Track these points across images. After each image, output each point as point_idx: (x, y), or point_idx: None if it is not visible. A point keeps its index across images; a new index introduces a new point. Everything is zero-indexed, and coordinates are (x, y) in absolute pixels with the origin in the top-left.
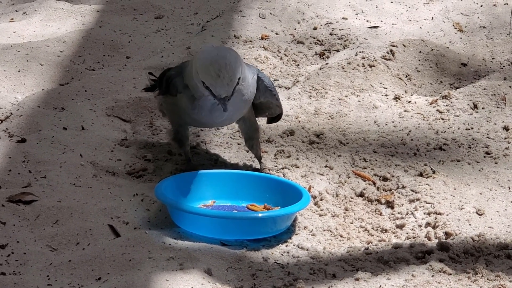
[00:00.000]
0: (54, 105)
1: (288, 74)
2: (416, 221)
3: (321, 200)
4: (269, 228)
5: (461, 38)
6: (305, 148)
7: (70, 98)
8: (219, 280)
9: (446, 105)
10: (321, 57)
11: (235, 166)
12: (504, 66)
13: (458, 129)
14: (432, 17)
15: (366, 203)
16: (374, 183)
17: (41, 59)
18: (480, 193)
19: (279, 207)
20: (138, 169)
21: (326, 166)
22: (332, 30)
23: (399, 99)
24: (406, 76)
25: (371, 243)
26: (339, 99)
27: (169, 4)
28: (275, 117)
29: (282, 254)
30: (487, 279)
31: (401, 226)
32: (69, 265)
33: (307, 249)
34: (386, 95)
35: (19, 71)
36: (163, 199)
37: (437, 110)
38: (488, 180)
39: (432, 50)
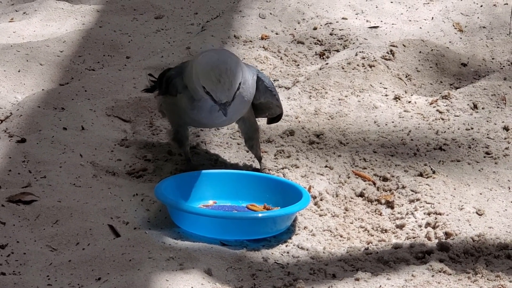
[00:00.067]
0: (54, 105)
1: (288, 74)
2: (416, 221)
3: (321, 200)
4: (269, 228)
5: (461, 38)
6: (305, 148)
7: (70, 98)
8: (219, 280)
9: (446, 105)
10: (321, 57)
11: (235, 166)
12: (504, 66)
13: (458, 129)
14: (432, 17)
15: (366, 203)
16: (374, 183)
17: (41, 59)
18: (480, 193)
19: (279, 207)
20: (138, 169)
21: (326, 166)
22: (332, 30)
23: (399, 99)
24: (406, 76)
25: (371, 243)
26: (339, 99)
27: (169, 4)
28: (275, 118)
29: (282, 254)
30: (487, 279)
31: (401, 226)
32: (69, 265)
33: (307, 249)
34: (386, 95)
35: (19, 71)
36: (163, 199)
37: (437, 110)
38: (488, 180)
39: (432, 50)
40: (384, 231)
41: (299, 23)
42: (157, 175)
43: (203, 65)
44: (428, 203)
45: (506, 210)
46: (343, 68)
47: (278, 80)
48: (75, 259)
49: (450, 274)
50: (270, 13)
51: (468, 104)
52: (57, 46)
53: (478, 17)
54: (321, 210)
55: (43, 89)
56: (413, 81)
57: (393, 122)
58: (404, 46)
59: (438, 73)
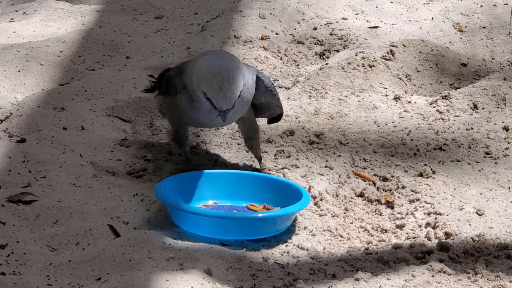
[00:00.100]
0: (54, 105)
1: (288, 74)
2: (416, 221)
3: (321, 200)
4: (269, 228)
5: (461, 38)
6: (305, 148)
7: (70, 98)
8: (219, 280)
9: (446, 105)
10: (321, 57)
11: (235, 166)
12: (504, 66)
13: (458, 129)
14: (432, 17)
15: (366, 203)
16: (374, 183)
17: (41, 59)
18: (480, 193)
19: (279, 207)
20: (138, 169)
21: (326, 166)
22: (332, 30)
23: (399, 99)
24: (406, 76)
25: (371, 243)
26: (339, 99)
27: (169, 4)
28: (275, 117)
29: (282, 254)
30: (487, 279)
31: (401, 226)
32: (69, 265)
33: (307, 249)
34: (386, 95)
35: (19, 71)
36: (163, 199)
37: (437, 110)
38: (488, 180)
39: (432, 50)
40: (384, 231)
41: (299, 23)
42: (157, 175)
43: (205, 71)
44: (428, 203)
45: (506, 210)
46: (343, 68)
47: (278, 80)
48: (75, 259)
49: (450, 274)
50: (270, 13)
51: (468, 104)
52: (57, 46)
53: (478, 17)
54: (321, 210)
55: (43, 89)
56: (413, 81)
57: (393, 122)
58: (404, 46)
59: (438, 73)
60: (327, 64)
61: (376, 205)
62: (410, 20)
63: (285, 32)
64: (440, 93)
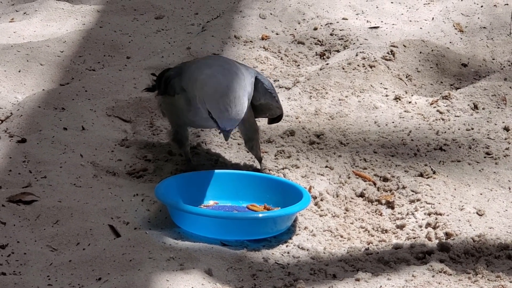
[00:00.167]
0: (55, 105)
1: (288, 75)
2: (416, 222)
3: (321, 200)
4: (270, 228)
5: (461, 38)
6: (305, 149)
7: (70, 98)
8: (220, 281)
9: (446, 106)
10: (322, 57)
11: (235, 167)
12: (504, 66)
13: (459, 129)
14: (433, 18)
15: (366, 204)
16: (375, 184)
17: (41, 59)
18: (481, 194)
19: (279, 208)
20: (138, 169)
21: (326, 167)
22: (333, 31)
23: (400, 100)
24: (407, 77)
25: (372, 243)
26: (340, 100)
27: (170, 5)
28: (276, 118)
29: (282, 255)
30: (488, 279)
31: (401, 227)
32: (70, 265)
33: (307, 250)
34: (387, 96)
35: (19, 71)
36: (163, 199)
37: (438, 111)
38: (489, 180)
39: (432, 50)
40: (384, 232)
41: (299, 23)
42: (157, 175)
43: (211, 90)
44: (429, 204)
45: (506, 210)
46: (343, 69)
47: (278, 81)
48: (76, 259)
49: (451, 275)
50: (271, 14)
51: (468, 105)
52: (58, 46)
53: (478, 18)
54: (321, 210)
55: (43, 89)
56: (413, 82)
57: (393, 122)
58: (405, 46)
59: (439, 74)
60: (327, 64)
61: (376, 205)
62: (410, 20)
63: (286, 32)
64: (440, 93)
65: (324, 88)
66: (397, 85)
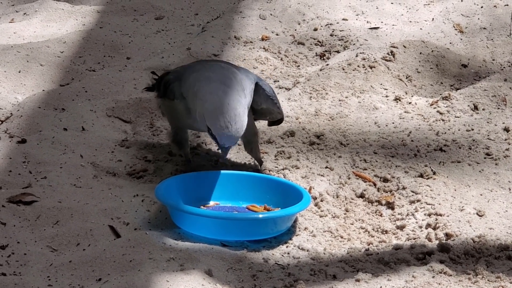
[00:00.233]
0: (55, 106)
1: (288, 75)
2: (416, 222)
3: (321, 201)
4: (270, 229)
5: (461, 39)
6: (305, 149)
7: (70, 98)
8: (220, 281)
9: (446, 106)
10: (322, 58)
11: (235, 167)
12: (504, 67)
13: (459, 130)
14: (433, 18)
15: (366, 204)
16: (375, 184)
17: (41, 59)
18: (481, 194)
19: (280, 208)
20: (138, 170)
21: (326, 167)
22: (333, 31)
23: (400, 100)
24: (407, 77)
25: (372, 244)
26: (340, 100)
27: (170, 5)
28: (276, 121)
29: (282, 255)
30: (488, 280)
31: (401, 227)
32: (70, 266)
33: (307, 250)
34: (387, 96)
35: (19, 72)
36: (164, 200)
37: (438, 111)
38: (489, 181)
39: (432, 51)
40: (384, 232)
41: (299, 24)
42: (157, 176)
43: (211, 107)
44: (429, 204)
45: (506, 211)
46: (343, 69)
47: (278, 81)
48: (76, 259)
49: (451, 275)
50: (271, 14)
51: (468, 105)
52: (58, 46)
53: (478, 18)
54: (321, 211)
55: (43, 90)
56: (413, 82)
57: (393, 123)
58: (405, 47)
59: (439, 74)
60: (327, 65)
61: (376, 206)
62: (410, 21)
63: (286, 33)
64: (440, 94)
65: (324, 89)
66: (397, 86)
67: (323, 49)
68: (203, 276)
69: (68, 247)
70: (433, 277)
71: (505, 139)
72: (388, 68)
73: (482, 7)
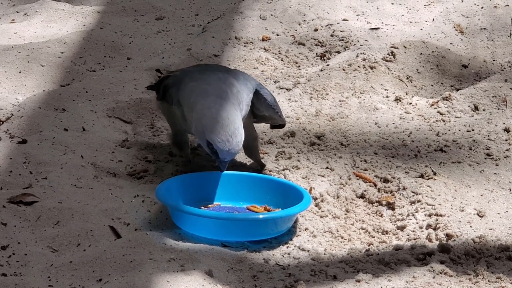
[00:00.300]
0: (55, 106)
1: (289, 76)
2: (417, 223)
3: (322, 201)
4: (270, 229)
5: (462, 39)
6: (306, 150)
7: (71, 99)
8: (220, 281)
9: (447, 107)
10: (322, 58)
11: (236, 168)
12: (504, 68)
13: (459, 130)
14: (433, 19)
15: (367, 205)
16: (375, 185)
17: (42, 60)
18: (481, 195)
19: (280, 209)
20: (139, 170)
21: (327, 168)
22: (333, 32)
23: (400, 101)
24: (407, 78)
25: (372, 244)
26: (340, 101)
27: (170, 6)
28: (278, 125)
29: (283, 256)
30: (488, 280)
31: (402, 228)
32: (70, 266)
33: (308, 251)
34: (387, 97)
35: (20, 72)
36: (164, 200)
37: (438, 112)
38: (489, 181)
39: (433, 51)
40: (385, 233)
41: (300, 24)
42: (158, 176)
43: (210, 122)
44: (429, 205)
45: (507, 211)
46: (344, 70)
47: (279, 82)
48: (76, 260)
49: (451, 276)
50: (271, 15)
51: (469, 106)
52: (58, 47)
53: (479, 19)
54: (322, 211)
55: (44, 90)
56: (414, 83)
57: (394, 123)
58: (405, 47)
59: (439, 75)
60: (328, 65)
61: (377, 206)
62: (411, 22)
63: (286, 34)
64: (441, 95)
65: (324, 89)
66: (398, 86)
67: (324, 49)
68: (204, 276)
69: (68, 248)
70: (434, 277)
71: (506, 140)
72: (388, 68)
73: (482, 7)
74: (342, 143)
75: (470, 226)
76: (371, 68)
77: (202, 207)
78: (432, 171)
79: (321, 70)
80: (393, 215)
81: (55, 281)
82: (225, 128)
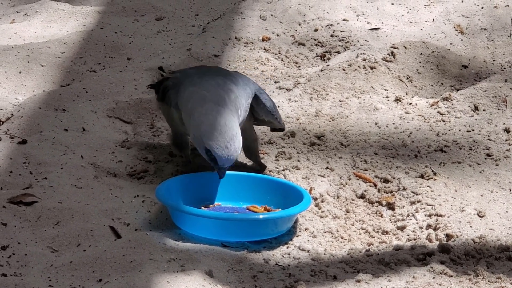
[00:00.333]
0: (55, 107)
1: (289, 76)
2: (417, 223)
3: (322, 201)
4: (270, 229)
5: (462, 40)
6: (306, 150)
7: (71, 99)
8: (220, 282)
9: (447, 107)
10: (322, 58)
11: (236, 168)
12: (505, 68)
13: (459, 131)
14: (433, 19)
15: (367, 205)
16: (375, 185)
17: (42, 60)
18: (481, 195)
19: (280, 209)
20: (139, 170)
21: (327, 168)
22: (333, 32)
23: (400, 101)
24: (407, 78)
25: (372, 244)
26: (340, 101)
27: (170, 6)
28: (278, 128)
29: (283, 256)
30: (488, 281)
31: (402, 228)
32: (70, 267)
33: (308, 251)
34: (387, 97)
35: (20, 73)
36: (164, 200)
37: (438, 112)
38: (489, 182)
39: (433, 52)
40: (385, 233)
41: (300, 24)
42: (158, 177)
43: (208, 129)
44: (429, 205)
45: (507, 212)
46: (344, 70)
47: (279, 82)
48: (76, 260)
49: (451, 276)
50: (271, 15)
51: (469, 106)
52: (58, 47)
53: (479, 19)
54: (322, 211)
55: (44, 91)
56: (414, 83)
57: (394, 123)
58: (405, 47)
59: (439, 75)
60: (328, 65)
61: (377, 206)
62: (411, 22)
63: (286, 34)
64: (441, 95)
65: (324, 90)
66: (398, 87)
67: (324, 49)
68: (204, 276)
69: (68, 248)
70: (434, 277)
71: (506, 140)
72: (388, 68)
73: (482, 8)
74: (342, 143)
75: (470, 226)
76: (371, 68)
77: (202, 207)
78: (432, 171)
79: (321, 70)
80: (393, 215)
81: (55, 281)
82: (223, 134)
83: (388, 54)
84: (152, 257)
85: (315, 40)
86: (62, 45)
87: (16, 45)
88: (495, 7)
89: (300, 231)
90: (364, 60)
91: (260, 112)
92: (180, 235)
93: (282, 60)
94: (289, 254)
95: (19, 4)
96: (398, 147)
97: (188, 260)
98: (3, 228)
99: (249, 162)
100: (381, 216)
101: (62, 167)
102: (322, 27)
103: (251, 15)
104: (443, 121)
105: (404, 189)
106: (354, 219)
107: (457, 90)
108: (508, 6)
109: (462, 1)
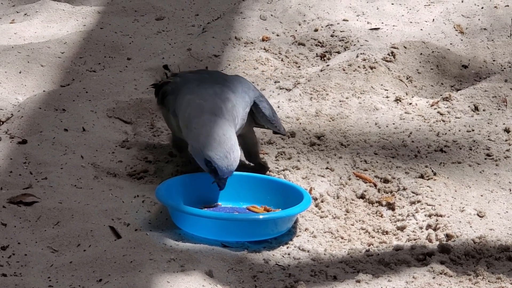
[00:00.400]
0: (55, 107)
1: (289, 76)
2: (417, 223)
3: (322, 202)
4: (270, 229)
5: (462, 40)
6: (306, 150)
7: (71, 99)
8: (220, 282)
9: (447, 107)
10: (322, 58)
11: (236, 168)
12: (505, 68)
13: (459, 131)
14: (433, 19)
15: (367, 205)
16: (375, 185)
17: (42, 60)
18: (481, 195)
19: (280, 209)
20: (139, 170)
21: (327, 168)
22: (333, 32)
23: (400, 101)
24: (407, 78)
25: (372, 245)
26: (340, 101)
27: (170, 6)
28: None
29: (283, 256)
30: (488, 281)
31: (402, 228)
32: (70, 267)
33: (308, 251)
34: (387, 97)
35: (20, 73)
36: (164, 200)
37: (438, 112)
38: (489, 182)
39: (433, 52)
40: (385, 233)
41: (300, 24)
42: (158, 177)
43: (207, 140)
44: (429, 205)
45: (507, 212)
46: (344, 70)
47: (279, 82)
48: (76, 260)
49: (451, 276)
50: (271, 15)
51: (469, 106)
52: (58, 47)
53: (479, 19)
54: (322, 211)
55: (44, 91)
56: (414, 83)
57: (394, 123)
58: (405, 47)
59: (439, 75)
60: (328, 65)
61: (377, 206)
62: (411, 22)
63: (286, 34)
64: (441, 95)
65: (324, 90)
66: (398, 87)
67: (324, 49)
68: (204, 277)
69: (68, 248)
70: (434, 278)
71: (506, 140)
72: (388, 68)
73: (482, 8)
74: (342, 144)
75: (470, 226)
76: (371, 68)
77: (202, 208)
78: (432, 171)
79: (321, 71)
80: (393, 216)
81: (55, 282)
82: (222, 144)
83: (388, 54)
84: (152, 257)
85: (315, 40)
86: (62, 45)
87: (16, 45)
88: (495, 7)
89: (300, 231)
90: (364, 60)
91: (260, 119)
92: (180, 235)
93: (282, 60)
94: (289, 254)
95: (19, 4)
96: (398, 147)
97: (188, 260)
98: (3, 228)
99: (248, 162)
100: (381, 216)
101: (62, 167)
102: (322, 27)
103: (251, 15)
104: (443, 121)
105: (404, 189)
106: (354, 219)
107: (457, 90)
108: (508, 6)
109: (462, 1)
